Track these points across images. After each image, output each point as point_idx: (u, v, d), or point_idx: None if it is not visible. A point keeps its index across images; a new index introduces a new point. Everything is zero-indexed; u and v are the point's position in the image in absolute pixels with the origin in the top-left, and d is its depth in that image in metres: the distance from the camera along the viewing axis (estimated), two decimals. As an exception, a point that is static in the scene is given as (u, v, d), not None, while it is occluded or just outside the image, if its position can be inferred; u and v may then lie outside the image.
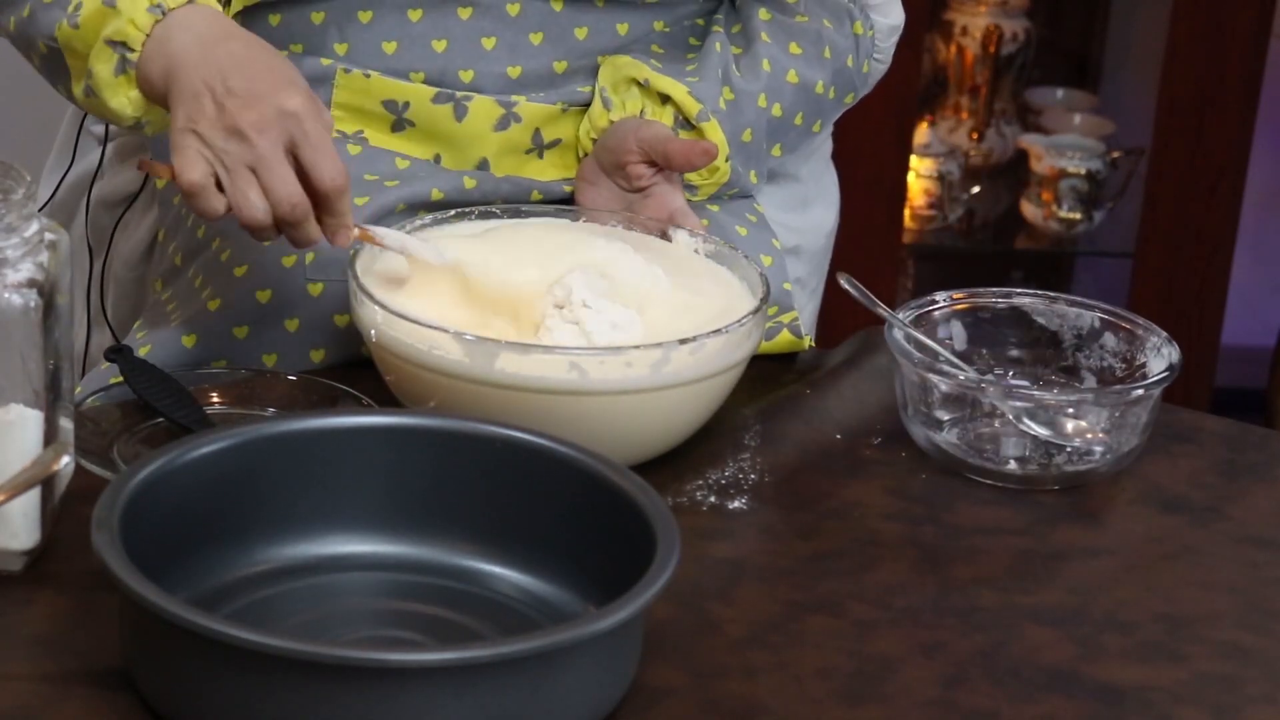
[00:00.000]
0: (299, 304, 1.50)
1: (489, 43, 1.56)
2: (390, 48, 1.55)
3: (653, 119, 1.56)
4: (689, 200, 1.59)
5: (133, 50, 1.39)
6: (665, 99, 1.57)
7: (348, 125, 1.57)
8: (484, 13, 1.56)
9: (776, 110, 1.62)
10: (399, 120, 1.56)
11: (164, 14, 1.39)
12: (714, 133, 1.57)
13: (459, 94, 1.56)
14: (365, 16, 1.55)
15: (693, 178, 1.59)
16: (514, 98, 1.57)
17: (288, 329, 1.49)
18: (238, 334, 1.49)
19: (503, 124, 1.57)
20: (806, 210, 1.78)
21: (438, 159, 1.58)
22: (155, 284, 1.60)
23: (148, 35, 1.38)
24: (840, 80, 1.67)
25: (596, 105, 1.58)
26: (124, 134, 1.74)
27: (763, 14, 1.64)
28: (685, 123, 1.58)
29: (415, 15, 1.55)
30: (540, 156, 1.60)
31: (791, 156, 1.75)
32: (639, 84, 1.57)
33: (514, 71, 1.57)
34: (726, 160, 1.58)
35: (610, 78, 1.58)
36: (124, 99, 1.41)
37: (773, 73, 1.61)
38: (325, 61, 1.55)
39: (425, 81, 1.56)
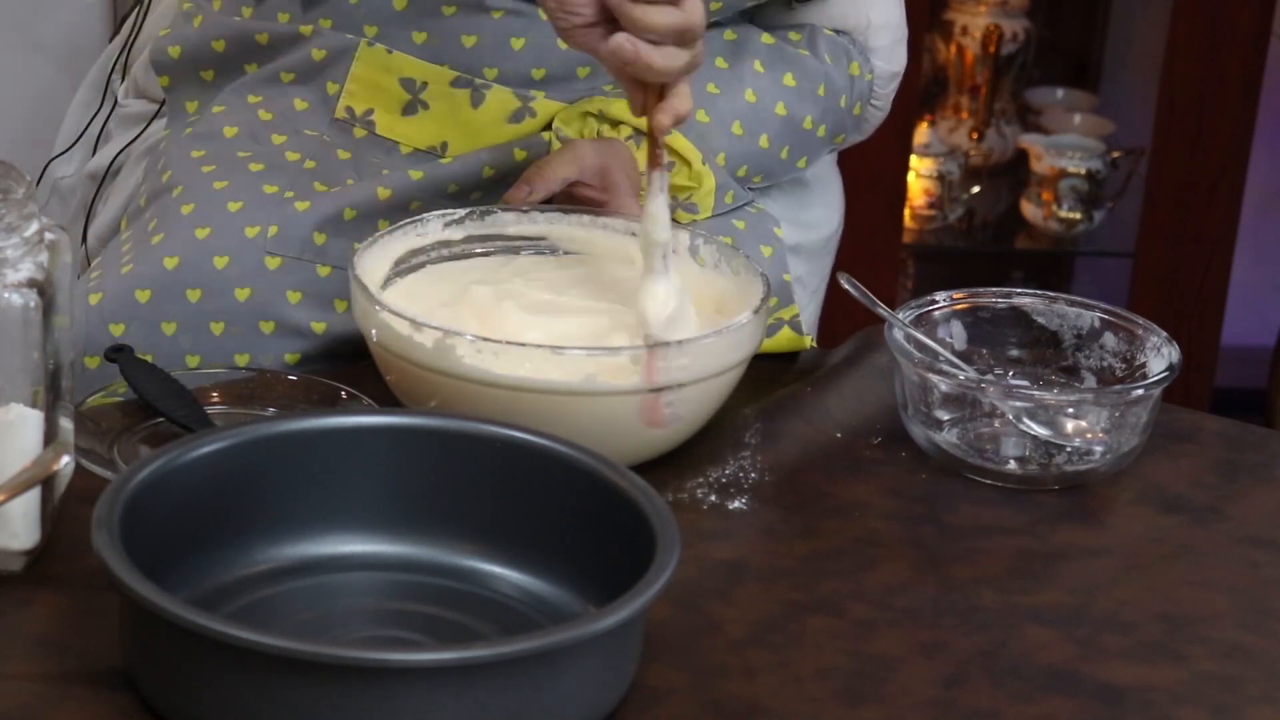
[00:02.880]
0: (253, 275, 1.50)
1: (518, 43, 1.57)
2: (420, 38, 1.57)
3: (557, 151, 1.55)
4: (693, 220, 1.60)
5: None
6: (618, 124, 1.58)
7: (359, 103, 1.58)
8: (516, 15, 1.56)
9: (764, 142, 1.63)
10: (413, 101, 1.57)
11: None
12: (678, 142, 1.58)
13: (478, 81, 1.57)
14: (400, 3, 1.55)
15: (680, 180, 1.59)
16: (533, 93, 1.58)
17: (238, 298, 1.50)
18: (190, 296, 1.50)
19: (517, 117, 1.58)
20: (807, 209, 1.78)
21: (444, 147, 1.58)
22: (121, 221, 1.61)
23: None
24: (831, 120, 1.67)
25: (555, 147, 1.59)
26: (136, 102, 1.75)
27: (765, 39, 1.65)
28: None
29: (449, 10, 1.55)
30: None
31: None
32: (593, 116, 1.58)
33: (538, 73, 1.58)
34: (703, 163, 1.59)
35: (564, 119, 1.59)
36: None
37: (758, 104, 1.62)
38: (350, 35, 1.56)
39: (450, 68, 1.57)
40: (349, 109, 1.58)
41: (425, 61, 1.57)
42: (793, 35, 1.69)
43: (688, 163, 1.59)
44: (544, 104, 1.59)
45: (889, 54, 1.72)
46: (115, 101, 1.78)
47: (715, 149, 1.60)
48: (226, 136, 1.59)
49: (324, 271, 1.52)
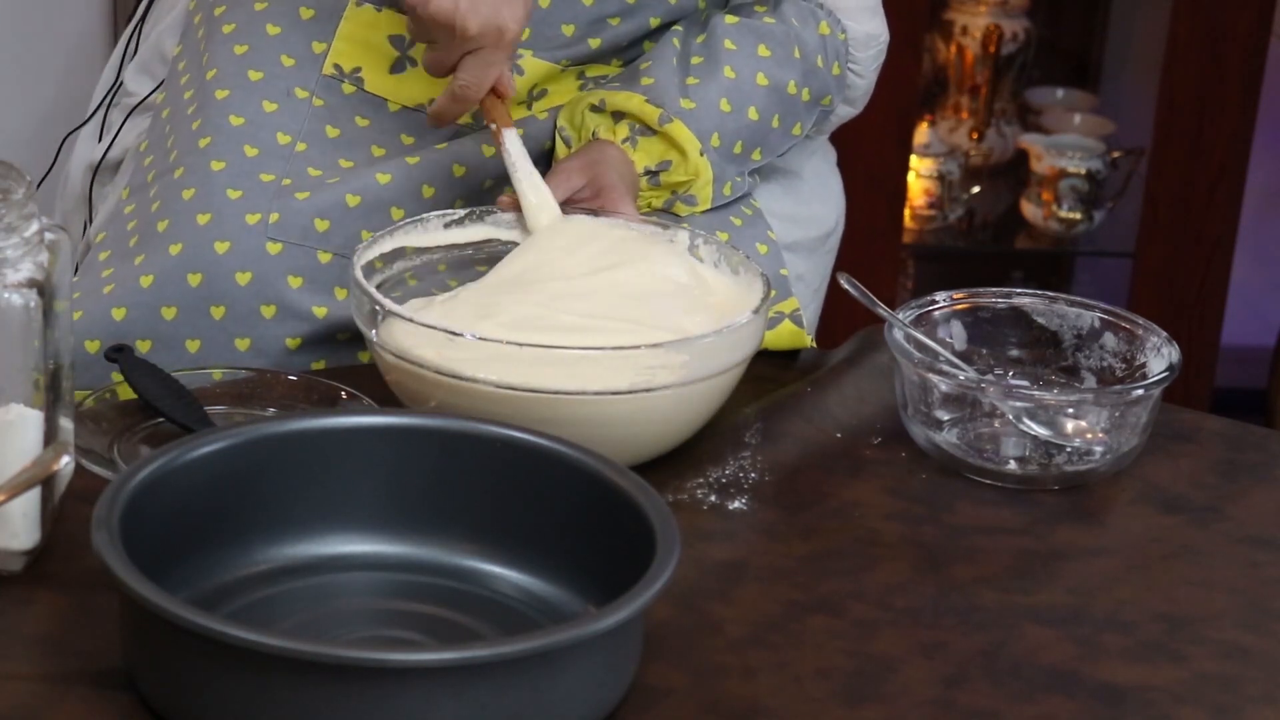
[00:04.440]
0: (254, 259, 1.51)
1: None
2: None
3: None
4: (692, 213, 1.61)
5: None
6: (620, 116, 1.58)
7: (347, 60, 1.60)
8: None
9: (753, 114, 1.63)
10: (401, 58, 1.58)
11: None
12: (679, 131, 1.58)
13: None
14: None
15: (677, 174, 1.59)
16: (520, 51, 1.59)
17: (239, 281, 1.50)
18: (191, 281, 1.50)
19: None
20: (805, 205, 1.79)
21: (432, 104, 1.59)
22: (124, 192, 1.62)
23: None
24: (813, 81, 1.68)
25: (559, 148, 1.60)
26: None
27: (729, 19, 1.66)
28: (648, 130, 1.59)
29: None
30: (528, 108, 1.62)
31: (794, 155, 1.76)
32: (594, 108, 1.59)
33: (524, 33, 1.59)
34: (701, 154, 1.59)
35: (568, 115, 1.60)
36: None
37: (738, 79, 1.62)
38: None
39: None
40: (337, 66, 1.60)
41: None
42: (758, 8, 1.70)
43: (684, 154, 1.59)
44: (531, 63, 1.61)
45: (857, 14, 1.73)
46: (120, 85, 1.78)
47: (708, 130, 1.60)
48: (218, 99, 1.59)
49: (325, 258, 1.53)
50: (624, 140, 1.59)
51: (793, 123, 1.68)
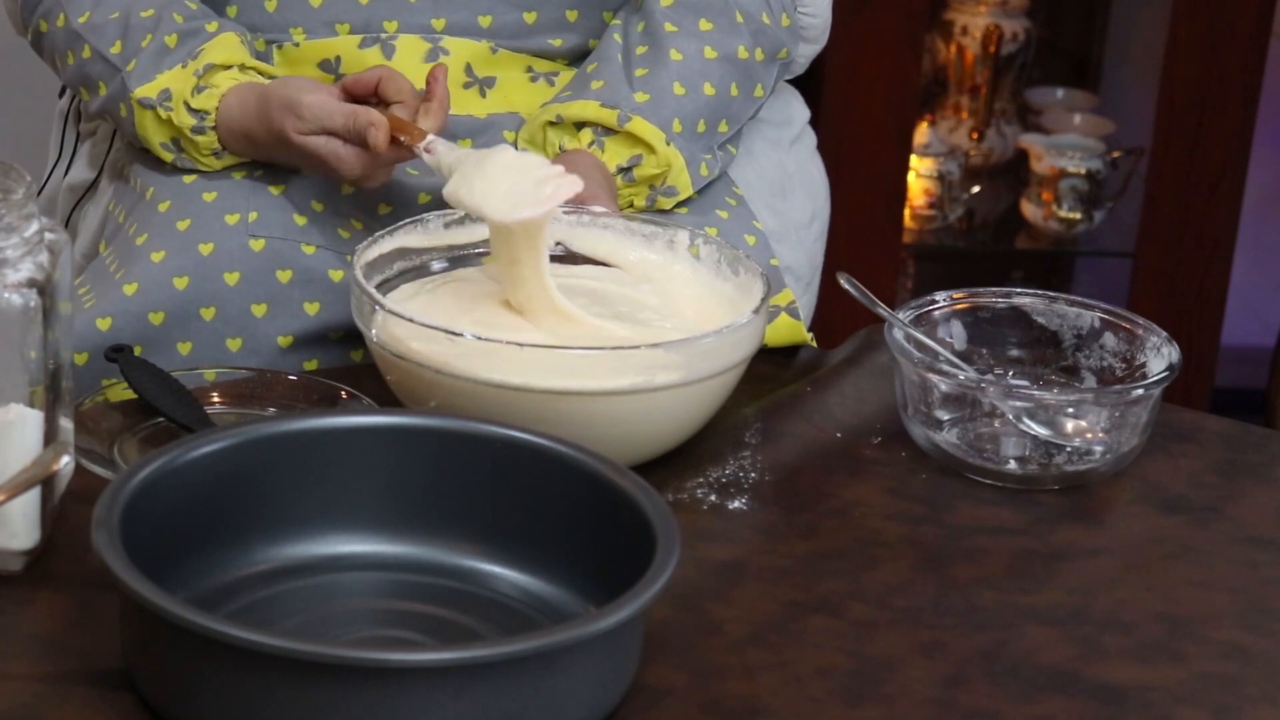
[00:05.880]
0: (241, 259, 1.51)
1: None
2: (316, 1, 1.58)
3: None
4: (676, 204, 1.61)
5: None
6: (581, 125, 1.58)
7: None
8: None
9: (709, 89, 1.63)
10: (336, 77, 1.59)
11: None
12: (640, 127, 1.58)
13: (383, 35, 1.60)
14: None
15: (649, 169, 1.59)
16: (437, 34, 1.62)
17: (228, 281, 1.50)
18: (178, 284, 1.50)
19: (431, 56, 1.62)
20: (787, 198, 1.79)
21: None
22: (100, 246, 1.62)
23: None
24: (763, 39, 1.67)
25: None
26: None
27: (665, 2, 1.65)
28: (610, 130, 1.58)
29: None
30: (483, 95, 1.63)
31: (771, 149, 1.76)
32: (552, 124, 1.59)
33: (438, 24, 1.61)
34: (668, 144, 1.59)
35: (528, 137, 1.60)
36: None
37: (686, 59, 1.62)
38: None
39: (351, 32, 1.59)
40: None
41: (330, 38, 1.60)
42: None
43: (651, 148, 1.59)
44: (453, 42, 1.62)
45: None
46: (77, 136, 1.79)
47: (667, 118, 1.60)
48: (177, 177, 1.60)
49: (309, 250, 1.53)
50: (590, 145, 1.58)
51: (752, 87, 1.67)
